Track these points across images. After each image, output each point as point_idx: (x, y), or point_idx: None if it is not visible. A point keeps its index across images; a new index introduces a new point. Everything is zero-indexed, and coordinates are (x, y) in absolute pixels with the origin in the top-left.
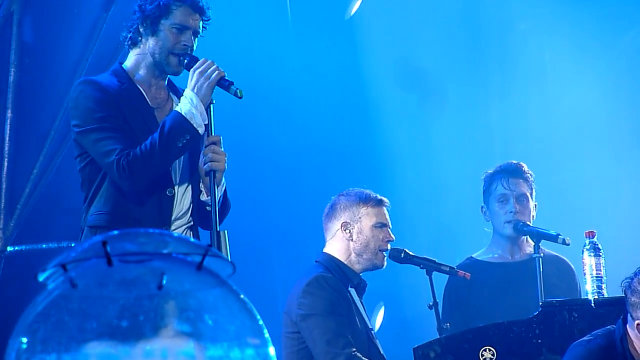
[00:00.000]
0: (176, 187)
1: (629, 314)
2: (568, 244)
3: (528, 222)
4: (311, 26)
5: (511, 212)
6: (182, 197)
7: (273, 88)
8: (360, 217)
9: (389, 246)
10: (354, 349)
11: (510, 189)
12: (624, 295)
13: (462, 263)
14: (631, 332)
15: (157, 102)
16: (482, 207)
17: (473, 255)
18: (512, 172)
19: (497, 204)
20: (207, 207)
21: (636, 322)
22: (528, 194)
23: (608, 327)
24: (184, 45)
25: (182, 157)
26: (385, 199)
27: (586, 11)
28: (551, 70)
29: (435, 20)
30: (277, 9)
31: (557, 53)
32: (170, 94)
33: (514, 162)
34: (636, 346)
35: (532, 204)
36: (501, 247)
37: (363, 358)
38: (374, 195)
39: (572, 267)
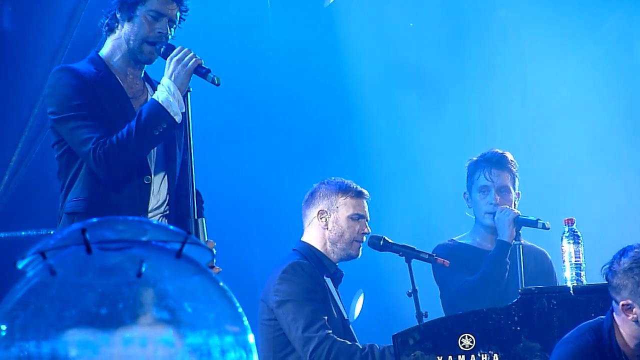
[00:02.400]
0: (153, 176)
1: (613, 301)
2: (548, 229)
3: None
4: (290, 13)
5: (491, 203)
6: (160, 186)
7: (252, 75)
8: (337, 207)
9: (364, 238)
10: (329, 331)
11: (492, 180)
12: (605, 282)
13: (443, 244)
14: (618, 318)
15: (133, 92)
16: (464, 193)
17: (454, 238)
18: (496, 162)
19: (479, 194)
20: None
21: (621, 303)
22: (510, 186)
23: (597, 318)
24: (159, 32)
25: (159, 145)
26: (365, 191)
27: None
28: (530, 58)
29: (414, 8)
30: None
31: (537, 41)
32: (146, 84)
33: (499, 151)
34: (623, 333)
35: (513, 194)
36: (481, 235)
37: (338, 338)
38: (354, 186)
39: (550, 258)
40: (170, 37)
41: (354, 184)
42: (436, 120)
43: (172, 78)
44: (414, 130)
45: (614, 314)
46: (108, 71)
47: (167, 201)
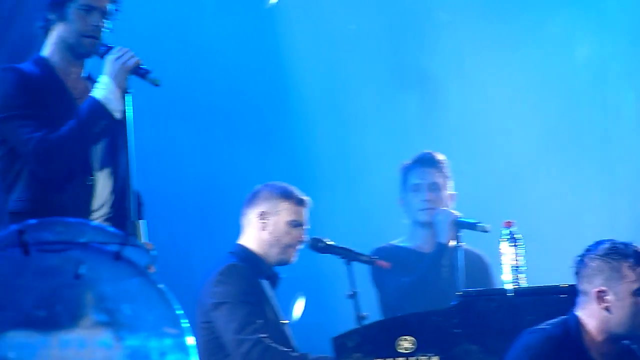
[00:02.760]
0: (96, 176)
1: (580, 296)
2: (487, 231)
3: None
4: (232, 13)
5: (424, 200)
6: (103, 187)
7: (192, 76)
8: (278, 210)
9: (300, 246)
10: (263, 335)
11: (423, 178)
12: (575, 274)
13: (381, 247)
14: (585, 312)
15: (77, 92)
16: (400, 199)
17: (392, 242)
18: (425, 162)
19: (411, 193)
20: None
21: (594, 291)
22: (441, 183)
23: (560, 317)
24: (94, 26)
25: (101, 145)
26: (307, 200)
27: (505, 1)
28: (471, 61)
29: (355, 10)
30: None
31: (477, 43)
32: (89, 86)
33: (427, 152)
34: (591, 327)
35: (446, 193)
36: (419, 237)
37: (271, 344)
38: (297, 194)
39: (488, 261)
40: (106, 29)
41: (297, 190)
42: (377, 121)
43: (111, 76)
44: (356, 131)
45: (579, 310)
46: (51, 72)
47: (109, 203)
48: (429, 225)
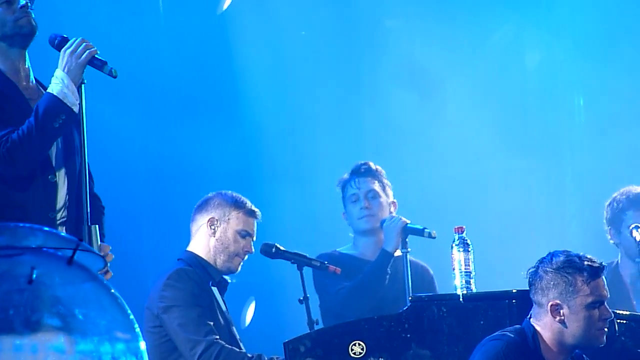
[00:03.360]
0: (57, 173)
1: (535, 307)
2: (434, 237)
3: (382, 218)
4: (183, 20)
5: (362, 208)
6: (63, 184)
7: (146, 78)
8: (229, 219)
9: (246, 256)
10: (216, 336)
11: (359, 187)
12: (529, 284)
13: (324, 253)
14: (539, 323)
15: (29, 93)
16: (343, 213)
17: (337, 249)
18: (360, 172)
19: (350, 204)
20: None
21: (549, 304)
22: (378, 190)
23: (516, 326)
24: (20, 7)
25: (58, 144)
26: (258, 211)
27: (456, 9)
28: (421, 68)
29: (307, 17)
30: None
31: (428, 50)
32: (40, 87)
33: (361, 162)
34: (546, 338)
35: (384, 199)
36: (362, 245)
37: (225, 345)
38: (249, 205)
39: (432, 273)
40: (30, 7)
41: (249, 202)
42: (328, 126)
43: (66, 70)
44: (306, 136)
45: (534, 320)
46: (1, 74)
47: (65, 204)
48: (370, 232)
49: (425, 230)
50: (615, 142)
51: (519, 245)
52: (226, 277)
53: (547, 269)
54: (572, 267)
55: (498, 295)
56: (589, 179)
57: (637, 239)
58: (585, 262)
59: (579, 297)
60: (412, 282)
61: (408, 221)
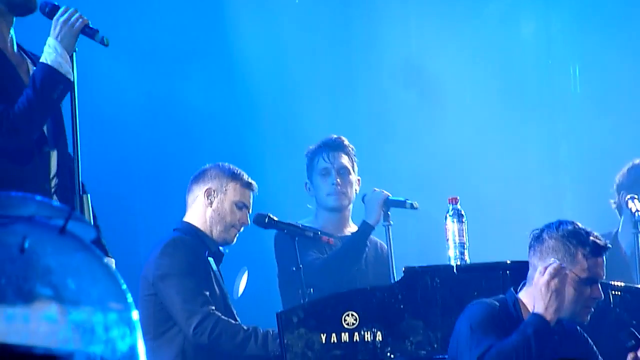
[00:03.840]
0: (49, 144)
1: (530, 270)
2: (416, 208)
3: (351, 195)
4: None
5: (333, 184)
6: (54, 153)
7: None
8: (226, 190)
9: (242, 228)
10: (213, 307)
11: (331, 162)
12: (529, 246)
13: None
14: (526, 291)
15: (15, 60)
16: (305, 183)
17: (299, 222)
18: (333, 146)
19: (320, 177)
20: None
21: (539, 269)
22: (349, 167)
23: (499, 296)
24: None
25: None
26: (254, 184)
27: None
28: (415, 38)
29: (306, 17)
30: None
31: (422, 21)
32: (22, 54)
33: (335, 136)
34: (529, 308)
35: (354, 177)
36: (324, 219)
37: (221, 316)
38: (246, 177)
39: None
40: None
41: (246, 174)
42: (319, 97)
43: (59, 39)
44: (300, 110)
45: (527, 286)
46: None
47: (56, 173)
48: (337, 209)
49: (407, 201)
50: (610, 112)
51: (513, 216)
52: (221, 248)
53: (553, 234)
54: (577, 238)
55: (492, 266)
56: (583, 149)
57: (633, 210)
58: (591, 238)
59: (574, 269)
60: (373, 257)
61: (389, 194)
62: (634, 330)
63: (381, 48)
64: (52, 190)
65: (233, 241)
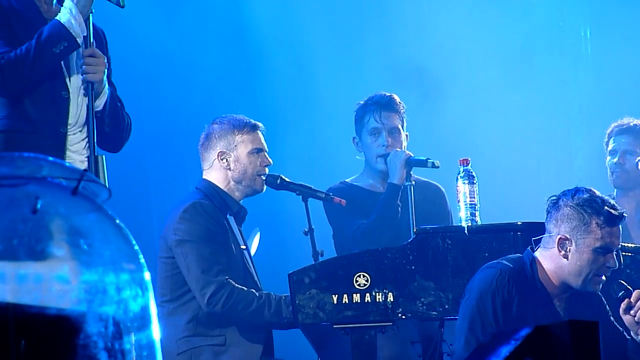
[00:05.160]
0: (71, 91)
1: (546, 234)
2: (437, 167)
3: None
4: None
5: (383, 145)
6: (80, 103)
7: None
8: (236, 145)
9: (266, 170)
10: (227, 277)
11: (383, 122)
12: (546, 211)
13: (334, 186)
14: (542, 253)
15: (50, 15)
16: (354, 138)
17: (346, 180)
18: (385, 105)
19: (370, 137)
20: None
21: (558, 236)
22: (400, 127)
23: (516, 254)
24: None
25: (77, 65)
26: (259, 124)
27: None
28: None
29: (305, 16)
30: None
31: None
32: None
33: (387, 94)
34: (547, 268)
35: (403, 135)
36: (372, 177)
37: (236, 285)
38: (248, 121)
39: (444, 191)
40: None
41: (246, 118)
42: (333, 63)
43: (75, 1)
44: (312, 69)
45: (539, 248)
46: None
47: (76, 121)
48: (386, 171)
49: (429, 160)
50: (621, 74)
51: (525, 178)
52: (243, 206)
53: (568, 202)
54: (592, 207)
55: (503, 227)
56: (595, 112)
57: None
58: (606, 207)
59: (588, 238)
60: (424, 201)
61: (411, 154)
62: (622, 281)
63: (391, 13)
64: (67, 134)
65: (263, 188)
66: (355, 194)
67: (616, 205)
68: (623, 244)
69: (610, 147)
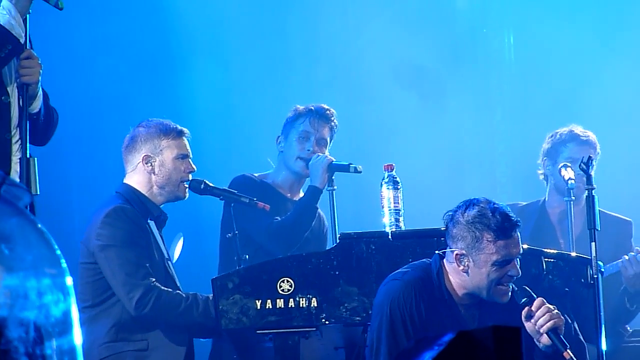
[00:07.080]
0: (11, 95)
1: (448, 247)
2: (360, 172)
3: None
4: None
5: (309, 150)
6: (16, 105)
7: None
8: (161, 150)
9: (190, 177)
10: (154, 279)
11: (316, 129)
12: (445, 227)
13: (241, 176)
14: (448, 265)
15: None
16: (278, 137)
17: (256, 174)
18: (322, 115)
19: (298, 138)
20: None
21: (455, 252)
22: (328, 140)
23: (423, 260)
24: None
25: (13, 68)
26: (185, 130)
27: None
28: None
29: (304, 16)
30: None
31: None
32: None
33: (326, 107)
34: (451, 279)
35: (327, 149)
36: (282, 177)
37: (163, 288)
38: (174, 126)
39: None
40: None
41: (172, 123)
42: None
43: (14, 2)
44: (234, 74)
45: (445, 260)
46: None
47: (16, 124)
48: (301, 175)
49: (351, 165)
50: (545, 80)
51: (449, 183)
52: (164, 211)
53: (460, 219)
54: (482, 223)
55: (427, 233)
56: (518, 117)
57: (566, 178)
58: (497, 221)
59: (483, 254)
60: (317, 227)
61: (333, 159)
62: (527, 287)
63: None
64: (15, 140)
65: (185, 195)
66: (263, 189)
67: (510, 214)
68: (545, 250)
69: (566, 154)
